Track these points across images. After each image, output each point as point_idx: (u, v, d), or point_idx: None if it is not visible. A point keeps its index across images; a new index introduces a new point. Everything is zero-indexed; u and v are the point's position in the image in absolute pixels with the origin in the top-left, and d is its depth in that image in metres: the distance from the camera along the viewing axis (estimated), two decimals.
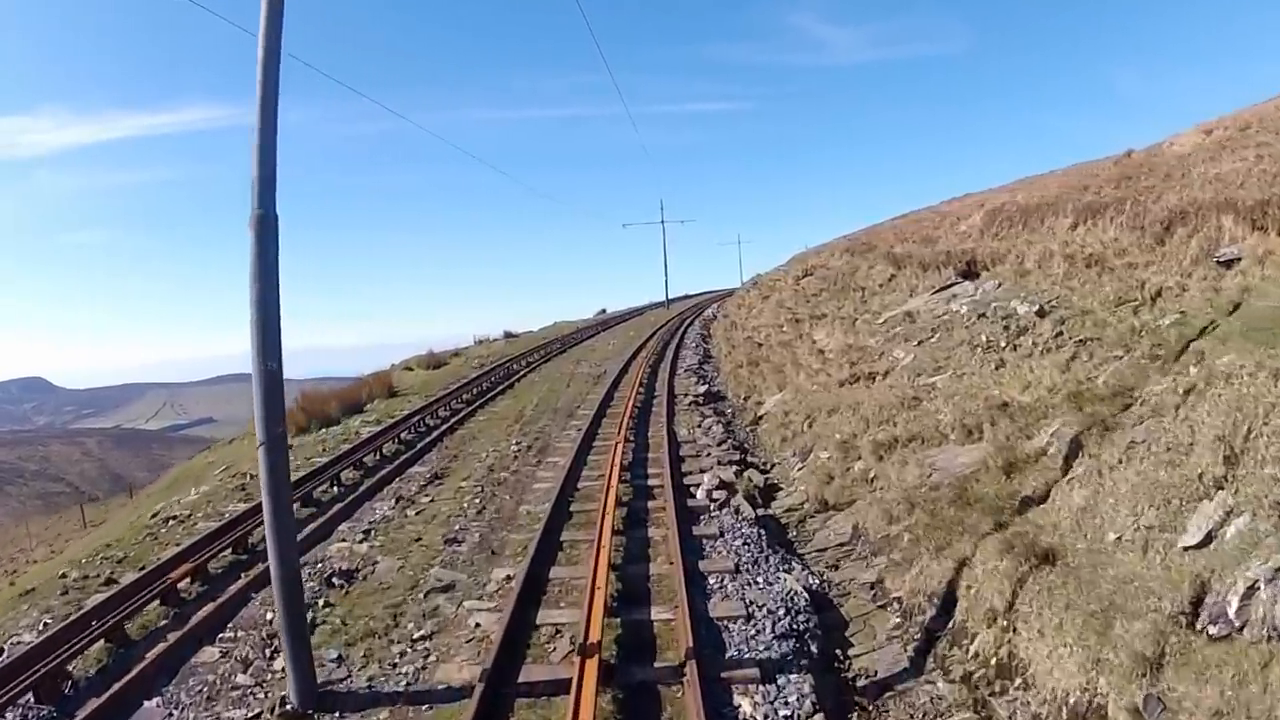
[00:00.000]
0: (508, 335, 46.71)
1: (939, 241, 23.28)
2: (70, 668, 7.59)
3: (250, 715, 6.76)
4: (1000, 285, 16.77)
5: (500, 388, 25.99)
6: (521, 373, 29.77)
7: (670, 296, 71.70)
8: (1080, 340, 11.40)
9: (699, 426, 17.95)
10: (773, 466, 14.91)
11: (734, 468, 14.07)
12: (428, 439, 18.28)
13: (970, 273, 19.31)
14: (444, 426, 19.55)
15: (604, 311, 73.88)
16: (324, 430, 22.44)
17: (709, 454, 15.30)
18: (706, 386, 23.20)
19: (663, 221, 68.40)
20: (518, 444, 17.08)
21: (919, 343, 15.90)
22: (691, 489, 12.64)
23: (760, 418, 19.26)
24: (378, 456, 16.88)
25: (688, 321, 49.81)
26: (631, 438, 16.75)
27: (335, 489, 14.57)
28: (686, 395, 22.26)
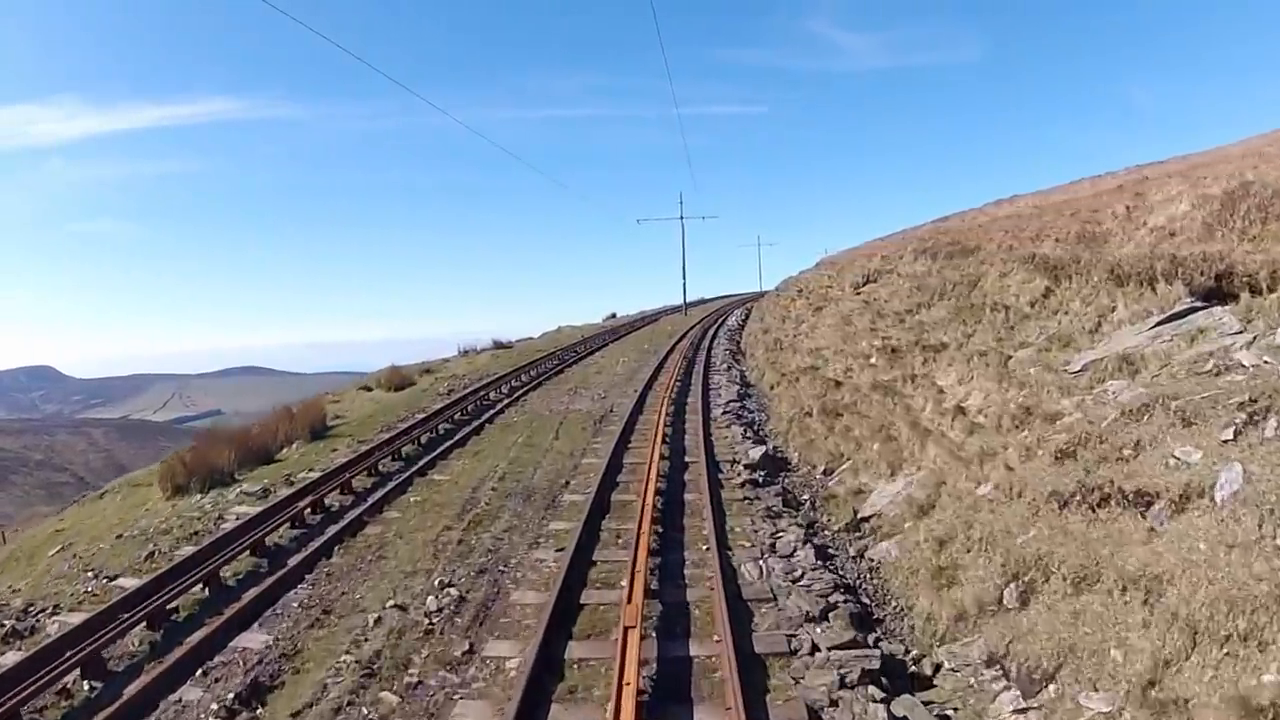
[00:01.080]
0: (497, 345, 38.80)
1: (1110, 240, 15.33)
2: None
3: None
4: None
5: (460, 435, 18.01)
6: (499, 406, 21.78)
7: (686, 301, 63.52)
8: None
9: (769, 548, 9.99)
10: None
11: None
12: (295, 558, 10.27)
13: (1219, 293, 11.33)
14: (334, 531, 11.32)
15: (614, 316, 65.98)
16: (200, 496, 14.73)
17: (804, 641, 7.42)
18: (761, 446, 15.22)
19: (682, 217, 60.15)
20: (442, 593, 9.01)
21: (1219, 428, 7.92)
22: None
23: (864, 522, 11.31)
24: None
25: (711, 332, 41.89)
26: (655, 588, 8.81)
27: None
28: (733, 462, 14.25)
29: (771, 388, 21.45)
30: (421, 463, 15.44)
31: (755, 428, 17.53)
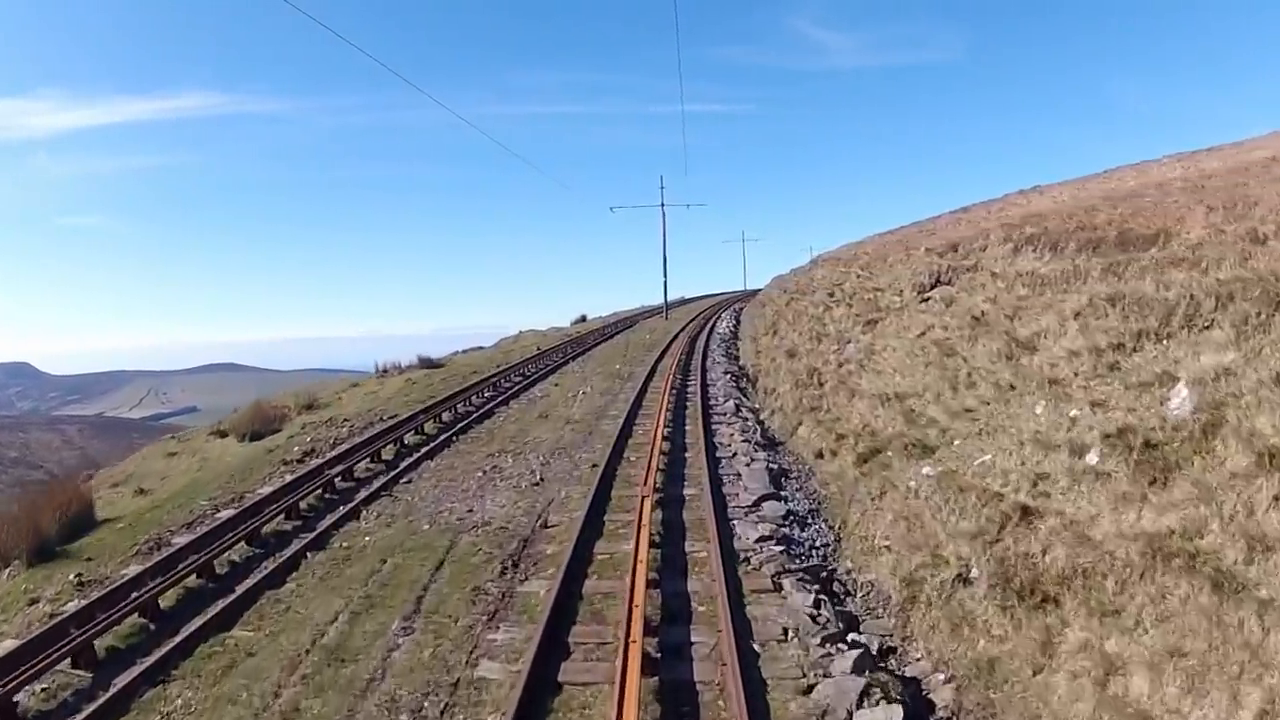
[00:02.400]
0: (425, 364, 29.12)
1: None
2: None
3: None
4: None
5: (238, 594, 8.71)
6: (356, 499, 12.24)
7: (667, 301, 53.79)
8: None
9: None
10: None
11: None
12: None
13: None
14: None
15: (583, 319, 56.45)
16: None
17: None
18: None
19: (663, 205, 50.39)
20: None
21: None
22: None
23: None
24: None
25: (701, 344, 32.63)
26: None
27: None
28: None
29: (834, 482, 12.17)
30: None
31: (849, 618, 8.21)
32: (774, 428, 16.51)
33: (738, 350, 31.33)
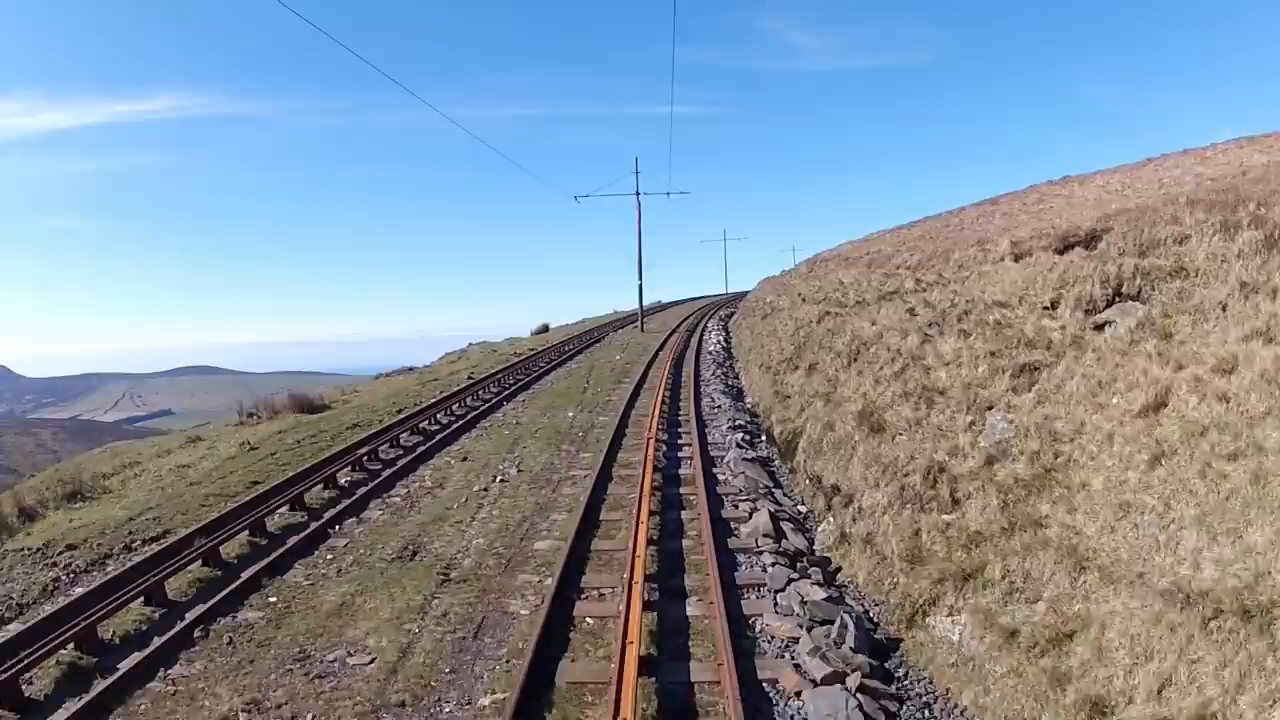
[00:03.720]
0: (302, 407, 19.78)
1: None
2: None
3: None
4: None
5: None
6: None
7: (644, 305, 44.08)
8: None
9: None
10: None
11: None
12: None
13: None
14: None
15: (545, 329, 47.24)
16: None
17: None
18: None
19: (638, 193, 40.96)
20: None
21: None
22: None
23: None
24: None
25: (688, 366, 23.68)
26: None
27: None
28: None
29: None
30: None
31: None
32: (889, 621, 7.47)
33: (739, 382, 22.42)
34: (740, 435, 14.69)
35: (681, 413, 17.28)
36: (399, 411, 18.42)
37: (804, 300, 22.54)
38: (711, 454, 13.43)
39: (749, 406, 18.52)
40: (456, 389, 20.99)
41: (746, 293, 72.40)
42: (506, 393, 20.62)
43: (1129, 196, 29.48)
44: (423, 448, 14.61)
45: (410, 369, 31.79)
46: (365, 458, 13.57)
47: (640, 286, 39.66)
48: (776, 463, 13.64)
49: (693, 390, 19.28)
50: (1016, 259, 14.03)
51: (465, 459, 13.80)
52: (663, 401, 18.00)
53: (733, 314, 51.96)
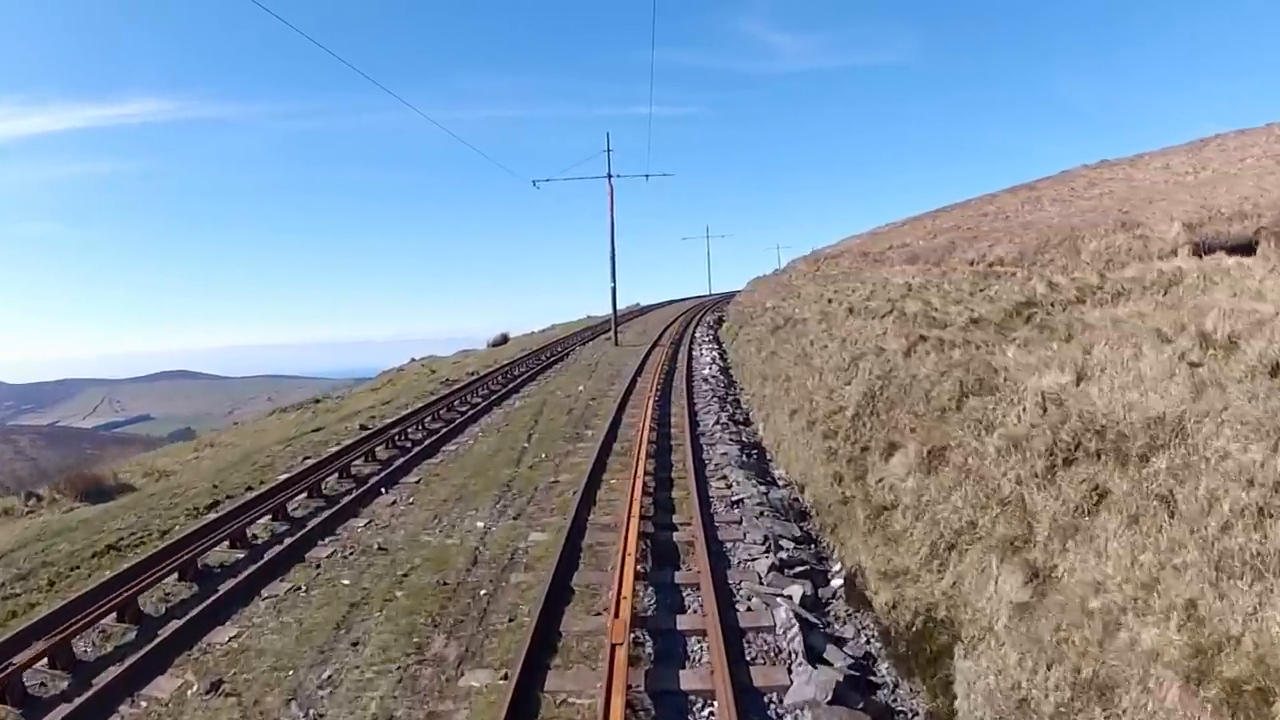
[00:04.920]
0: (88, 494, 11.91)
1: None
2: None
3: None
4: None
5: None
6: None
7: (621, 310, 35.81)
8: None
9: None
10: None
11: None
12: None
13: None
14: None
15: (505, 340, 39.21)
16: None
17: None
18: None
19: (610, 175, 31.99)
20: None
21: None
22: None
23: None
24: None
25: (676, 406, 15.73)
26: None
27: None
28: None
29: None
30: None
31: None
32: None
33: (755, 433, 14.68)
34: (797, 593, 6.98)
35: (677, 513, 9.55)
36: (211, 507, 10.58)
37: (849, 311, 14.77)
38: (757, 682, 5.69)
39: (787, 494, 10.75)
40: (327, 455, 13.07)
41: (734, 294, 64.73)
42: (397, 465, 12.67)
43: (1214, 176, 22.44)
44: (249, 573, 6.81)
45: (316, 401, 23.79)
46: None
47: (614, 289, 31.72)
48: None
49: (691, 462, 11.51)
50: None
51: (218, 687, 5.91)
52: (643, 488, 10.26)
53: (721, 319, 44.18)
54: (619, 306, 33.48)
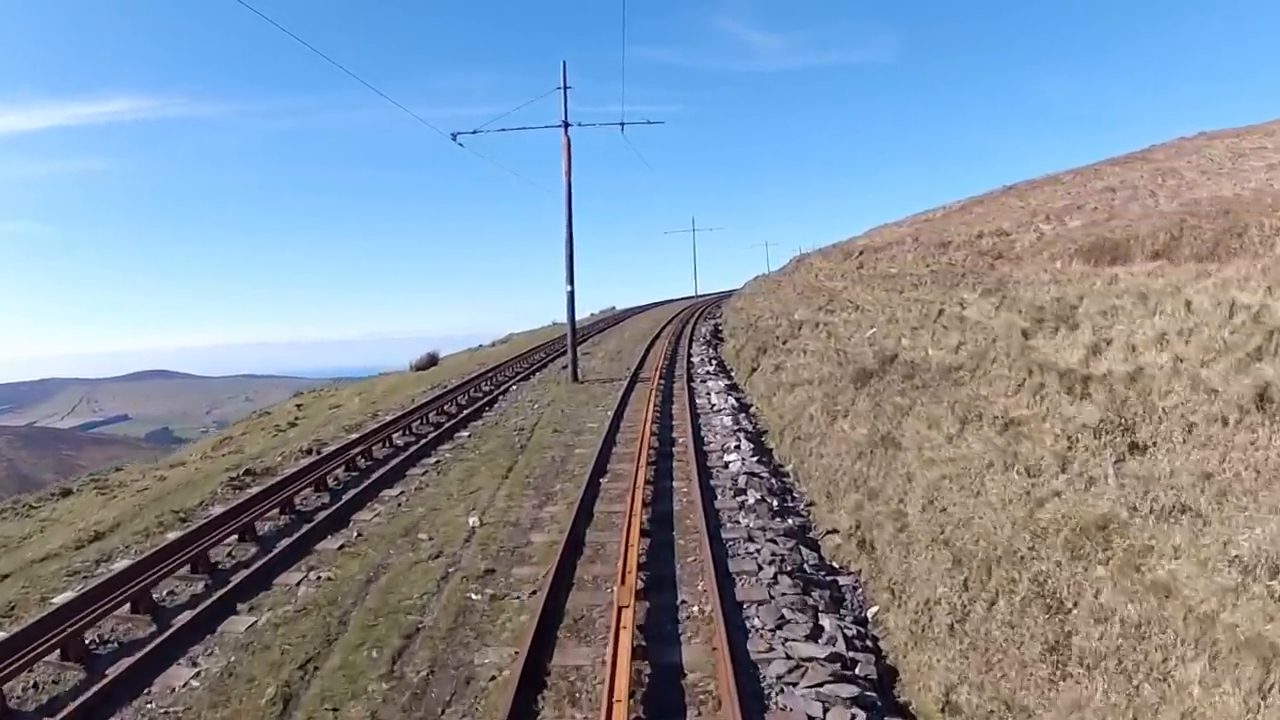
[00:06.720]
0: None
1: None
2: None
3: None
4: None
5: None
6: None
7: (591, 316, 23.52)
8: None
9: None
10: None
11: None
12: None
13: None
14: None
15: (433, 361, 27.88)
16: None
17: None
18: None
19: (565, 124, 18.62)
20: None
21: None
22: None
23: None
24: None
25: (699, 580, 4.59)
26: None
27: None
28: None
29: None
30: None
31: None
32: None
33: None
34: None
35: None
36: None
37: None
38: None
39: None
40: None
41: (726, 295, 53.19)
42: None
43: None
44: None
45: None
46: None
47: (571, 294, 19.69)
48: None
49: None
50: None
51: None
52: None
53: (718, 331, 32.67)
54: (589, 311, 22.00)
